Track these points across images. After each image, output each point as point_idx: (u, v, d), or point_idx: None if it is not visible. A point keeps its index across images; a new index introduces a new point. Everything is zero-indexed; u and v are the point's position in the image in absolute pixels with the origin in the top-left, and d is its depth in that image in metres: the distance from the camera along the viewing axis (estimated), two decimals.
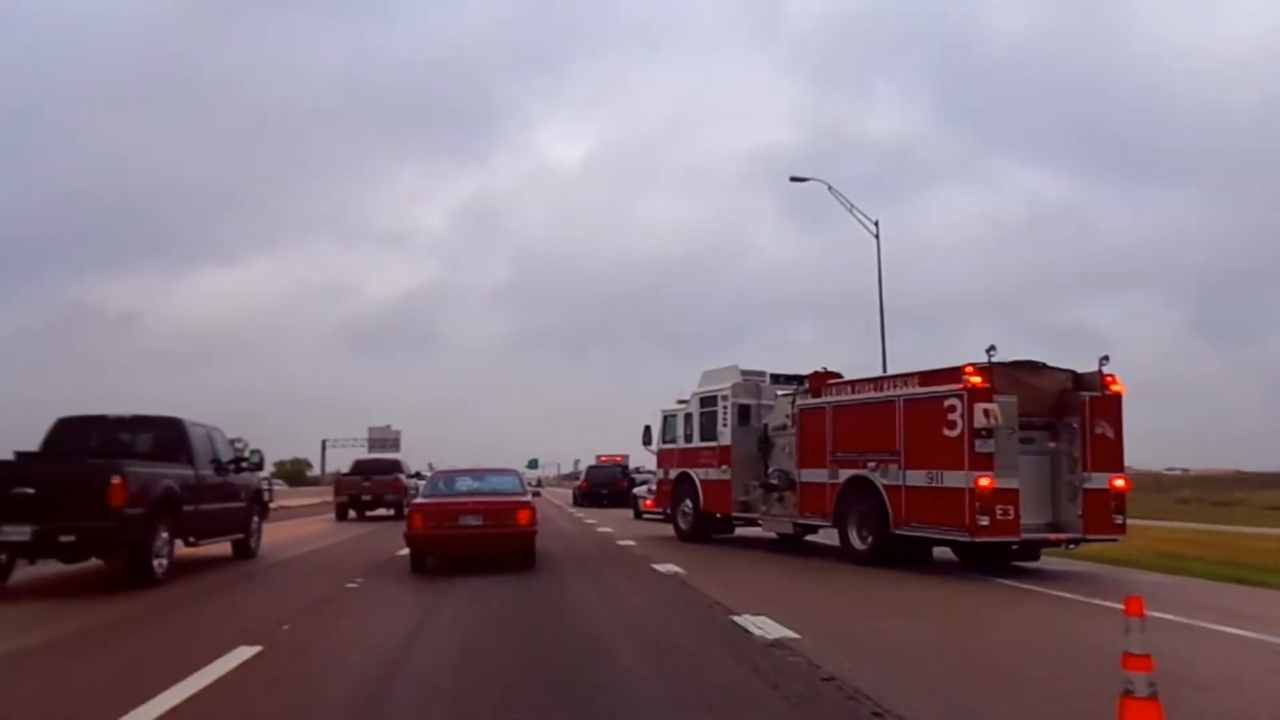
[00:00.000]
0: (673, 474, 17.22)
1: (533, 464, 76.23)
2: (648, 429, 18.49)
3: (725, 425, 15.53)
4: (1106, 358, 11.26)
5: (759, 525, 15.42)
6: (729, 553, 14.77)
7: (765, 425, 14.93)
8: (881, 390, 12.13)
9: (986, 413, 10.40)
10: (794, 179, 29.41)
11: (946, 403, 10.80)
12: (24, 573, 10.22)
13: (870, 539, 11.99)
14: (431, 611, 8.35)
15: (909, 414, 11.41)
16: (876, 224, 28.27)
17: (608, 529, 20.45)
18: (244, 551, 13.15)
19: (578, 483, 41.83)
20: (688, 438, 16.76)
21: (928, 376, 11.41)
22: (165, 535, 10.20)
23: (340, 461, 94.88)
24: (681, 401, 17.30)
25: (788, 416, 14.16)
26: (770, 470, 14.36)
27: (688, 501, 16.62)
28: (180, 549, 10.94)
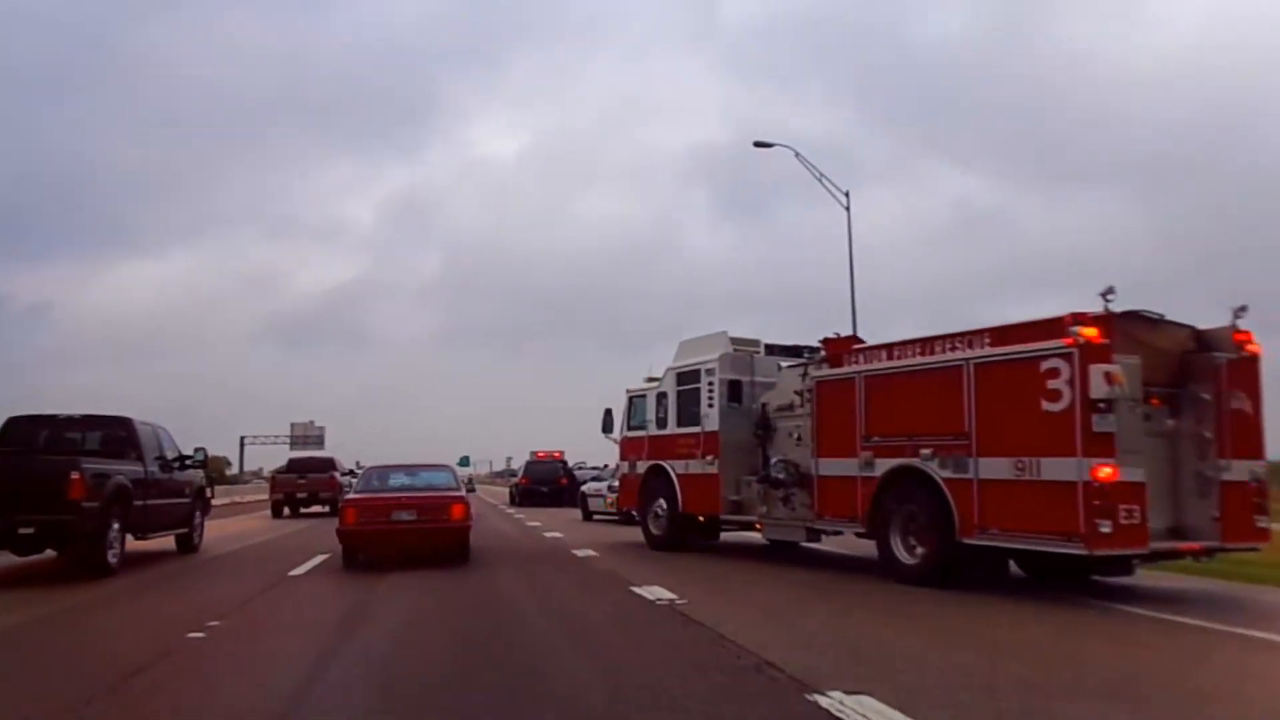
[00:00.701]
0: (641, 467, 14.09)
1: (464, 461, 72.45)
2: (608, 413, 15.33)
3: (712, 406, 12.45)
4: (1244, 308, 8.48)
5: (756, 530, 12.42)
6: (723, 565, 11.70)
7: (764, 405, 11.90)
8: (936, 353, 9.18)
9: (1109, 377, 7.51)
10: (758, 144, 26.88)
11: (1045, 365, 7.88)
12: None
13: (924, 550, 9.03)
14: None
15: (984, 383, 8.47)
16: (847, 194, 25.98)
17: (557, 533, 17.23)
18: (187, 545, 13.53)
19: (515, 480, 38.28)
20: (661, 423, 13.65)
21: (1009, 332, 8.49)
22: (117, 528, 10.61)
23: (260, 459, 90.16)
24: (652, 380, 14.19)
25: (797, 394, 11.15)
26: (773, 462, 11.34)
27: (661, 501, 13.49)
28: (128, 543, 11.24)
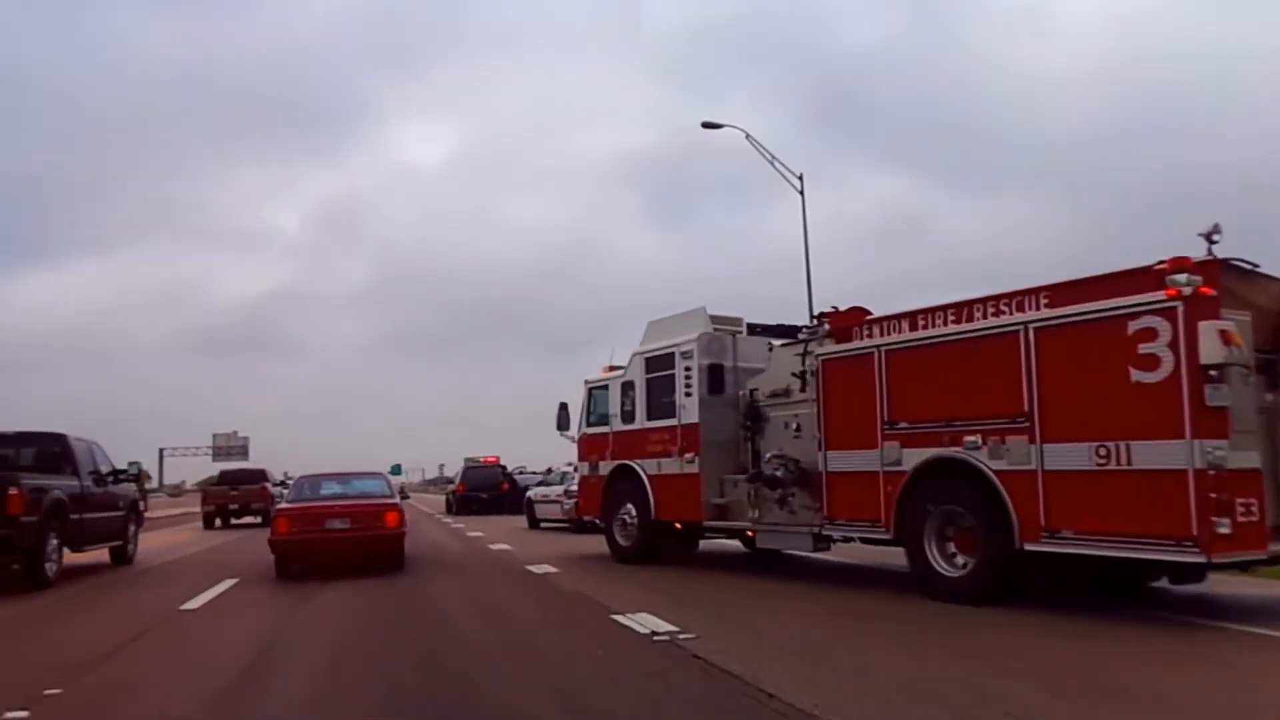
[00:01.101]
0: (605, 468, 12.26)
1: (396, 470, 69.34)
2: (564, 408, 13.47)
3: (690, 395, 10.69)
4: None
5: (747, 537, 10.73)
6: (713, 583, 9.95)
7: (752, 393, 10.20)
8: (978, 319, 7.58)
9: (1225, 336, 5.98)
10: (706, 125, 25.49)
11: (1135, 326, 6.31)
12: None
13: (972, 560, 7.41)
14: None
15: (1049, 351, 6.87)
16: (801, 178, 24.78)
17: (503, 545, 15.31)
18: (122, 558, 13.46)
19: (451, 487, 35.94)
20: (627, 416, 11.85)
21: (1077, 289, 6.92)
22: (55, 542, 10.76)
23: (183, 471, 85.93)
24: (615, 368, 12.39)
25: (796, 376, 9.46)
26: (766, 458, 9.64)
27: (629, 507, 11.68)
28: (65, 555, 11.30)
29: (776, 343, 10.48)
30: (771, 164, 24.31)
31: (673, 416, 10.92)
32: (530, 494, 22.22)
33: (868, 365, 8.41)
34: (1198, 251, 6.35)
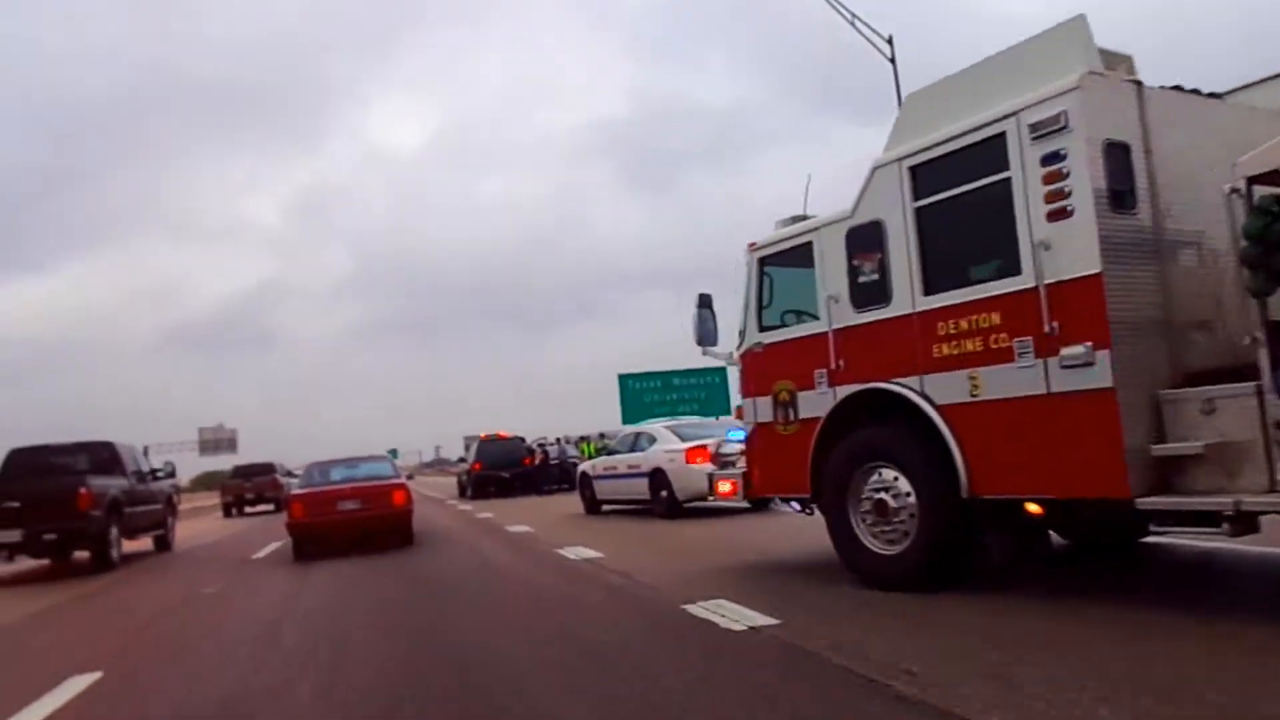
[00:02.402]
0: (813, 403, 6.35)
1: (393, 454, 65.42)
2: (706, 305, 7.52)
3: (1068, 213, 4.74)
4: None
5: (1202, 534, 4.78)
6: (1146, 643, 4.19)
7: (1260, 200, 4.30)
8: None
9: None
10: None
11: None
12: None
13: None
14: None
15: None
16: (890, 41, 19.41)
17: (585, 549, 9.46)
18: (164, 545, 15.29)
19: (465, 466, 30.00)
20: (869, 293, 5.88)
21: None
22: (115, 531, 12.60)
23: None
24: (799, 219, 6.57)
25: None
26: None
27: (889, 475, 5.75)
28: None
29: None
30: (853, 24, 19.12)
31: (1013, 271, 4.98)
32: (587, 467, 16.21)
33: None
34: None
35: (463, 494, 28.01)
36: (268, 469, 30.42)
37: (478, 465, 26.75)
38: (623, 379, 31.33)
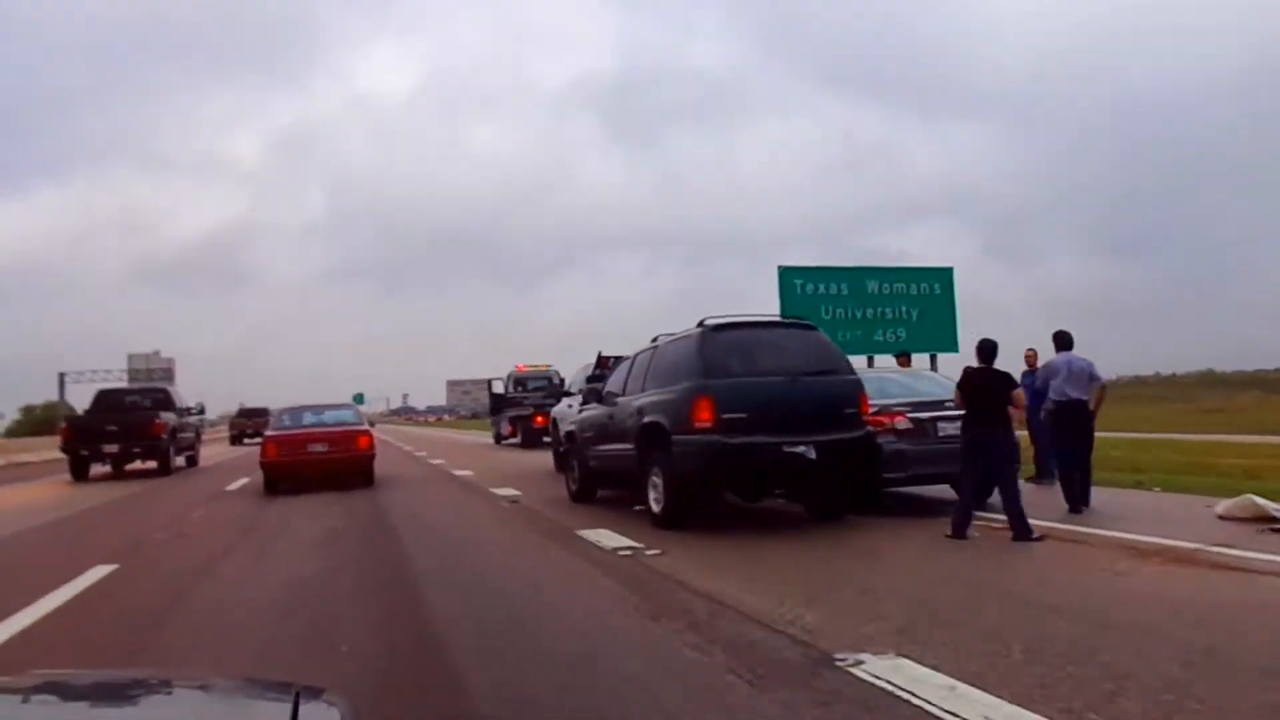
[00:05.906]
0: None
1: (359, 398, 64.99)
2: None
3: None
4: None
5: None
6: None
7: None
8: None
9: None
10: None
11: None
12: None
13: None
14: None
15: None
16: None
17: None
18: (193, 463, 21.71)
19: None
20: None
21: None
22: (173, 450, 19.33)
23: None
24: None
25: None
26: None
27: None
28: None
29: None
30: None
31: None
32: None
33: None
34: None
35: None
36: (264, 412, 38.00)
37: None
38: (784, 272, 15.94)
